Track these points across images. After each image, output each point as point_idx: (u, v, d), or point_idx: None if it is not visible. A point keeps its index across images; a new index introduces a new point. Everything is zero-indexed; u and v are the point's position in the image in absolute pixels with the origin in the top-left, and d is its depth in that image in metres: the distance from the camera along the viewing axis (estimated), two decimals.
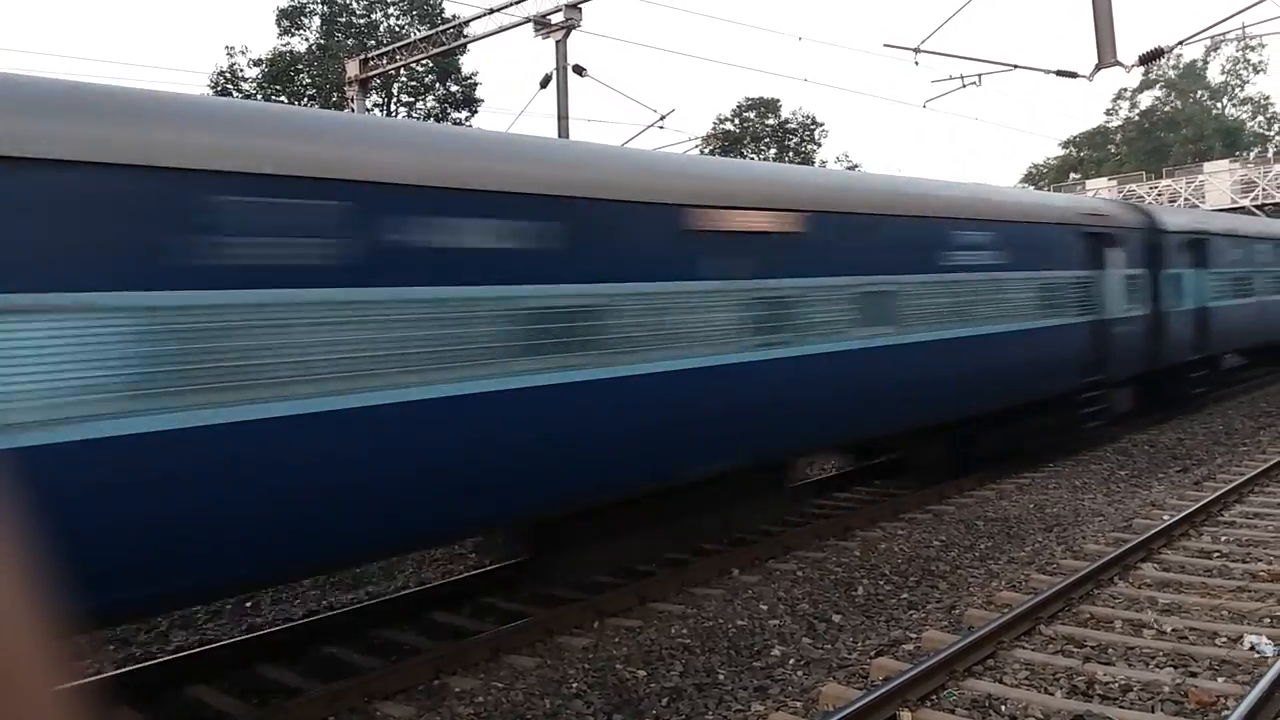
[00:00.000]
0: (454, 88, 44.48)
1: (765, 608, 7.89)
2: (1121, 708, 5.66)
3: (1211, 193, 36.30)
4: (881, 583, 8.52)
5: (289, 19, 42.60)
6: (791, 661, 6.82)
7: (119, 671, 6.80)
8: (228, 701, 6.45)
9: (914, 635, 7.10)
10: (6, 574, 0.55)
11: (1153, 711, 5.60)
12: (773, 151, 57.31)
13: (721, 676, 6.58)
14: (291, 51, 42.15)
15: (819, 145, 59.24)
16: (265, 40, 74.10)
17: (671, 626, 7.49)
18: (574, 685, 6.47)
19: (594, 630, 7.52)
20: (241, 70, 40.71)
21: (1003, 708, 5.74)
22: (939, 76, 18.66)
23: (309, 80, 41.32)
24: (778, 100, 58.24)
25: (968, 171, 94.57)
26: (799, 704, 6.02)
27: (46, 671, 0.55)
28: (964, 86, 18.66)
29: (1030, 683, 6.09)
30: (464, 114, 44.23)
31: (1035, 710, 5.66)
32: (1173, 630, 6.90)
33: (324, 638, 7.43)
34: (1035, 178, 67.96)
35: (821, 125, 59.29)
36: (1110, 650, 6.57)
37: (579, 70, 21.05)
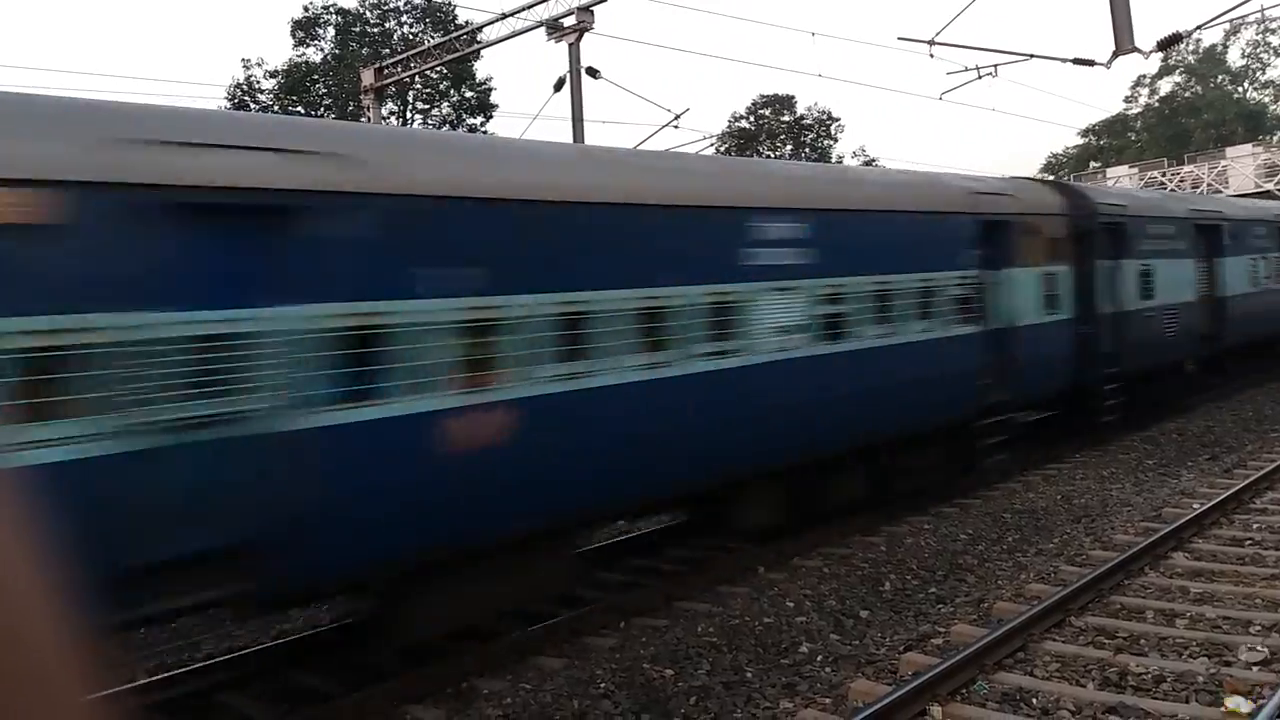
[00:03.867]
0: (468, 93, 44.59)
1: (792, 605, 7.86)
2: (1155, 699, 5.60)
3: (1235, 177, 35.85)
4: (909, 578, 8.47)
5: (303, 30, 42.84)
6: (819, 658, 6.79)
7: (151, 680, 6.86)
8: (258, 708, 6.49)
9: (943, 629, 7.06)
10: (36, 582, 0.55)
11: (1187, 702, 5.54)
12: (789, 148, 57.14)
13: (749, 674, 6.56)
14: (307, 62, 42.39)
15: (835, 140, 58.95)
16: (280, 52, 74.71)
17: (698, 625, 7.48)
18: (602, 685, 6.47)
19: (620, 630, 7.52)
20: (258, 82, 41.03)
21: (1034, 700, 5.69)
22: (954, 68, 18.55)
23: (325, 90, 41.57)
24: (792, 97, 57.99)
25: (986, 163, 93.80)
26: (828, 700, 5.99)
27: (78, 678, 0.56)
28: (980, 78, 18.53)
29: (1061, 675, 6.04)
30: (479, 119, 44.35)
31: (1067, 702, 5.61)
32: (1206, 620, 6.82)
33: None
34: (1055, 167, 67.30)
35: (837, 120, 58.93)
36: (1142, 641, 6.50)
37: (592, 72, 21.06)
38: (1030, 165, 71.21)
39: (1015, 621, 6.61)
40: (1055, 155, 69.68)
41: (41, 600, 0.55)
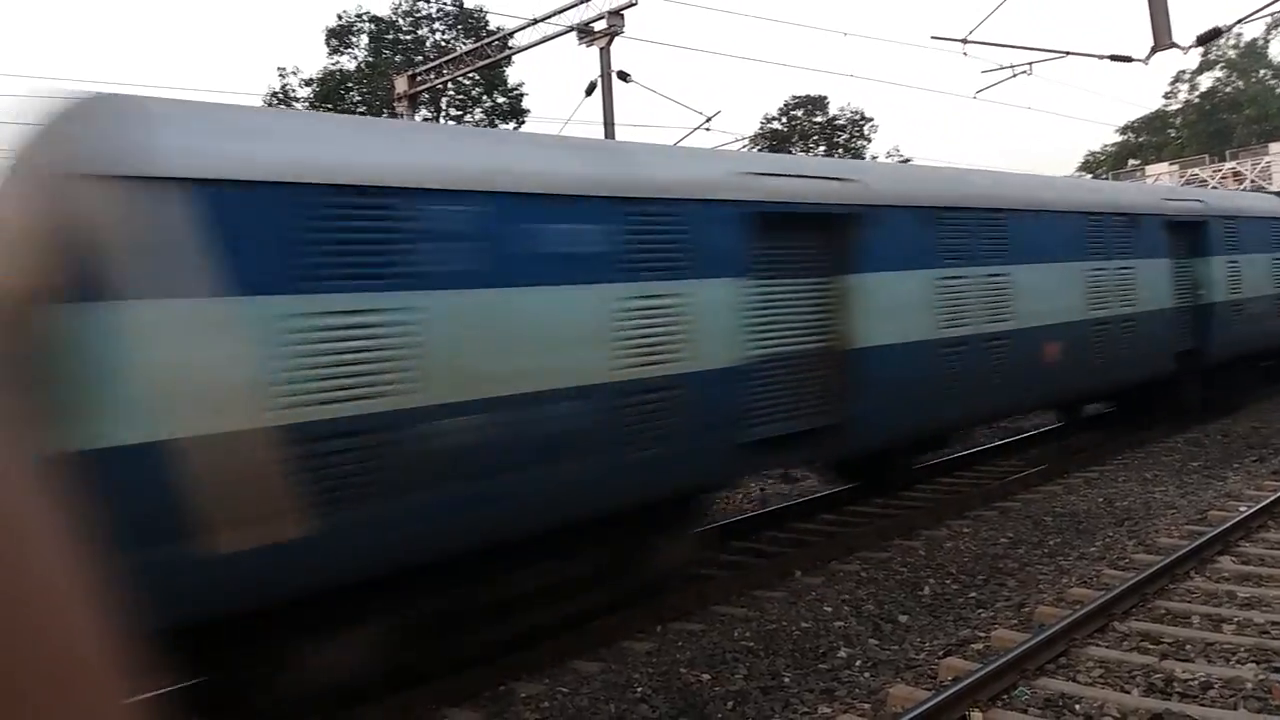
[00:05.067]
0: (501, 99, 44.86)
1: (829, 609, 7.81)
2: (1202, 705, 5.50)
3: (1279, 173, 35.22)
4: (948, 582, 8.39)
5: (337, 38, 43.31)
6: (858, 663, 6.73)
7: (191, 682, 6.92)
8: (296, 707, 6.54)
9: (983, 634, 6.98)
10: (72, 580, 0.55)
11: (1235, 709, 5.43)
12: (822, 148, 56.88)
13: (787, 679, 6.52)
14: (341, 70, 42.86)
15: (869, 140, 58.68)
16: (315, 60, 75.58)
17: (734, 630, 7.45)
18: (638, 689, 6.47)
19: (657, 634, 7.51)
20: (294, 90, 41.56)
21: (1077, 707, 5.61)
22: (989, 66, 18.44)
23: (359, 98, 41.99)
24: (825, 97, 57.82)
25: (1022, 162, 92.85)
26: (866, 705, 5.94)
27: (113, 682, 0.55)
28: (1014, 76, 18.40)
29: (1105, 681, 5.95)
30: (511, 124, 44.58)
31: (1111, 709, 5.53)
32: (1254, 625, 6.69)
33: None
34: (1093, 165, 66.42)
35: (871, 120, 58.71)
36: (1188, 646, 6.39)
37: (623, 76, 21.12)
38: (1067, 164, 70.26)
39: (1057, 626, 6.52)
40: (1093, 153, 68.78)
41: (79, 599, 0.54)
